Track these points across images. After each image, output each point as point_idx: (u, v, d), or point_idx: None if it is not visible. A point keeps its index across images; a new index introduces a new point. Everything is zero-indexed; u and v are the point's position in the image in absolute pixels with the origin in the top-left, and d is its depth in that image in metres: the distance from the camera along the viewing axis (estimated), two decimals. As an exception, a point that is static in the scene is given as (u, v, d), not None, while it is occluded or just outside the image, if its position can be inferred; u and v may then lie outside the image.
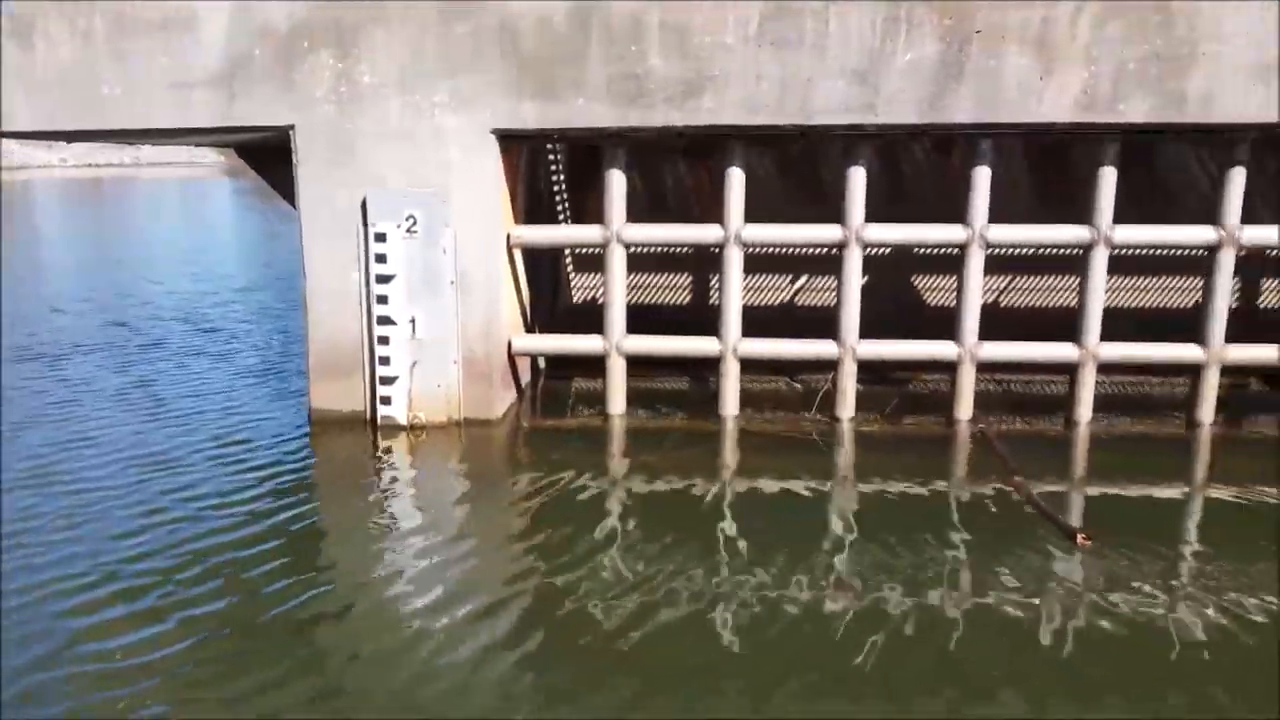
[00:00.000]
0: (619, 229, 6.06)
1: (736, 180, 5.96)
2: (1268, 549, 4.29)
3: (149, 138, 6.72)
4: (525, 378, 6.92)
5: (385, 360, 5.89)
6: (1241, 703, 3.15)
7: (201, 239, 20.61)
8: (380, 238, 5.75)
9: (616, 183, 6.04)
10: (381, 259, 5.77)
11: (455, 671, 3.32)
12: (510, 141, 5.95)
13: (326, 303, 5.94)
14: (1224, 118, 5.38)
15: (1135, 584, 3.96)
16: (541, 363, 7.40)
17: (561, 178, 7.50)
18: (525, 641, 3.51)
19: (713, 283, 7.62)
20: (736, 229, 5.99)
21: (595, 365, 6.42)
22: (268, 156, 7.01)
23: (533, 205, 7.01)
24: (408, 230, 5.74)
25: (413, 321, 5.85)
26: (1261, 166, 6.89)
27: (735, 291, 6.11)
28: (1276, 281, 7.49)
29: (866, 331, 6.14)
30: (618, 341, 6.21)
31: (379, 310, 5.83)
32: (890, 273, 7.58)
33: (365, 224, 5.76)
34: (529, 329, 6.88)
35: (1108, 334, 6.07)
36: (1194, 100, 5.37)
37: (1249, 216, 5.94)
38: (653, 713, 3.11)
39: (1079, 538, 4.34)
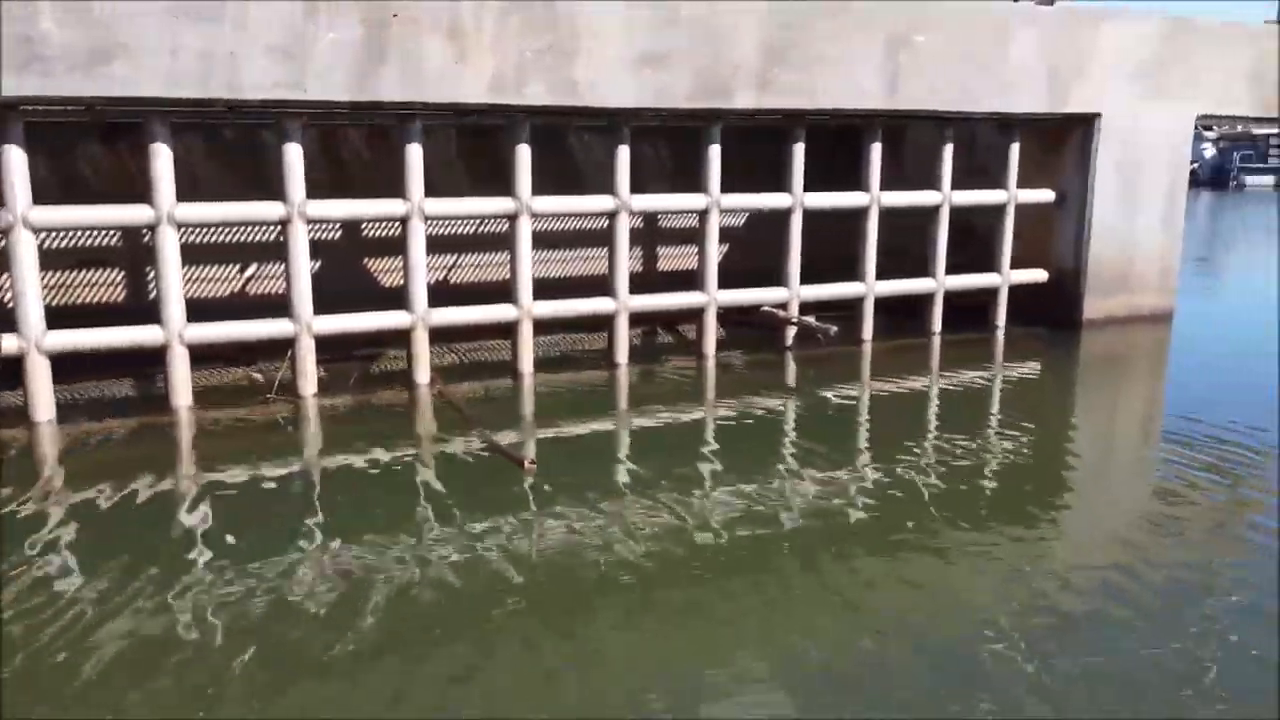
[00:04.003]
0: (24, 212, 5.40)
1: (163, 157, 5.65)
2: (678, 457, 5.23)
3: None
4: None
5: None
6: (647, 580, 3.87)
7: None
8: None
9: (16, 160, 5.36)
10: None
11: None
12: None
13: None
14: (606, 102, 6.40)
15: (575, 492, 4.63)
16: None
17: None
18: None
19: (151, 276, 7.10)
20: (169, 208, 5.68)
21: (14, 373, 5.64)
22: None
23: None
24: None
25: None
26: (655, 149, 8.35)
27: (175, 275, 5.79)
28: (671, 249, 9.05)
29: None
30: (37, 338, 5.53)
31: None
32: (343, 256, 7.75)
33: None
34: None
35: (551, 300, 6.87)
36: (583, 87, 6.30)
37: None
38: None
39: (525, 463, 4.95)
